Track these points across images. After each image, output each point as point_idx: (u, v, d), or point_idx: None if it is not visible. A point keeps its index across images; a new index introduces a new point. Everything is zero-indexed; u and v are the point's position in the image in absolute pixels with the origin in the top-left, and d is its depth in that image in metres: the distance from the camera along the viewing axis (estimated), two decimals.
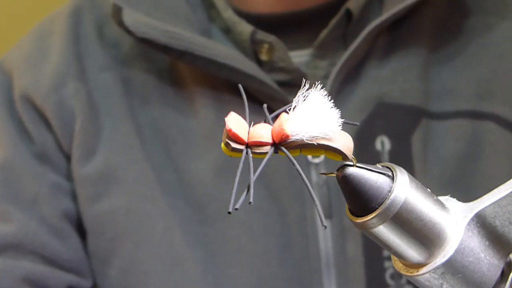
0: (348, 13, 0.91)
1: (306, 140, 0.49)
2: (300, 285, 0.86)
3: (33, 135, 0.92)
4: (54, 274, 0.90)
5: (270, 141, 0.50)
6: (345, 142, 0.51)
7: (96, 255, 0.91)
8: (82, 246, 0.92)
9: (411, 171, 0.87)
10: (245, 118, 0.50)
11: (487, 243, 0.52)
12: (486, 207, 0.52)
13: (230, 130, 0.49)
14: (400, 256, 0.52)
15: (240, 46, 0.91)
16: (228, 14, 0.92)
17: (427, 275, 0.51)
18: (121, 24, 0.88)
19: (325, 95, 0.50)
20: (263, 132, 0.50)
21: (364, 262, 0.86)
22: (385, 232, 0.50)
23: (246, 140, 0.50)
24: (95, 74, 0.93)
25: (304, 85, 0.50)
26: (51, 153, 0.92)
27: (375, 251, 0.86)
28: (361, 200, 0.50)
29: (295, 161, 0.49)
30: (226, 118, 0.49)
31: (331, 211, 0.87)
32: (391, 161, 0.87)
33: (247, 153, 0.50)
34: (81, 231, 0.93)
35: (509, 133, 0.88)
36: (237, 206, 0.46)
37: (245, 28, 0.90)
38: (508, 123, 0.89)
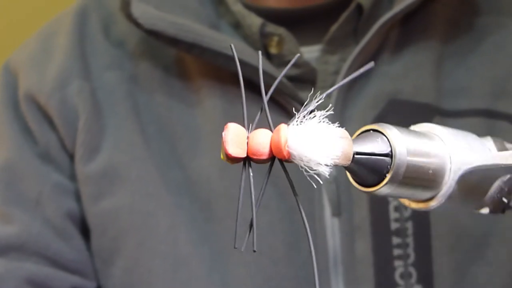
0: (359, 8, 0.90)
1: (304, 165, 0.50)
2: (307, 284, 0.85)
3: (36, 135, 0.92)
4: (57, 276, 0.89)
5: (269, 152, 0.50)
6: (343, 150, 0.51)
7: (99, 254, 0.90)
8: (86, 247, 0.91)
9: None
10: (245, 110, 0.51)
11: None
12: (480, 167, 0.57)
13: (229, 155, 0.50)
14: (411, 200, 0.57)
15: (249, 40, 0.90)
16: (237, 7, 0.91)
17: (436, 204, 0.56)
18: (129, 16, 0.88)
19: (327, 113, 0.50)
20: (262, 140, 0.50)
21: (373, 261, 0.84)
22: (395, 190, 0.54)
23: (245, 154, 0.50)
24: (100, 72, 0.93)
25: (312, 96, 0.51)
26: (54, 153, 0.91)
27: (385, 250, 0.85)
28: (368, 176, 0.53)
29: (291, 180, 0.52)
30: (224, 133, 0.49)
31: (340, 209, 0.85)
32: None
33: (248, 164, 0.51)
34: (85, 231, 0.92)
35: None
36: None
37: (255, 21, 0.90)
38: None
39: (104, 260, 0.90)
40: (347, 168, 0.52)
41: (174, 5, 0.91)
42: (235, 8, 0.91)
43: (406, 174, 0.53)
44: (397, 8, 0.87)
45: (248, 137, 0.50)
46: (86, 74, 0.92)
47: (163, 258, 0.87)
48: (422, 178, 0.54)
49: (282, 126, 0.49)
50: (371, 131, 0.54)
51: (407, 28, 0.90)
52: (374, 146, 0.52)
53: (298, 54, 0.53)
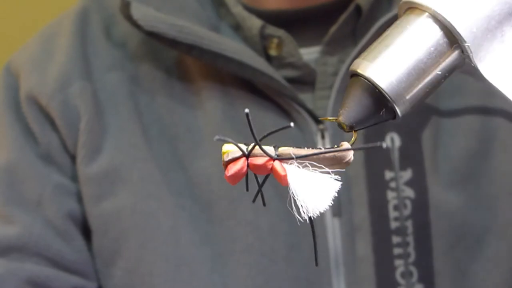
0: (358, 9, 0.91)
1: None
2: (309, 284, 0.85)
3: (38, 136, 0.92)
4: (58, 276, 0.89)
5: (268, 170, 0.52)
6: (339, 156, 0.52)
7: (100, 255, 0.90)
8: (87, 247, 0.91)
9: (421, 168, 0.86)
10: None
11: None
12: None
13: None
14: None
15: (249, 42, 0.91)
16: (237, 9, 0.92)
17: None
18: (129, 18, 0.88)
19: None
20: (261, 166, 0.53)
21: (374, 261, 0.85)
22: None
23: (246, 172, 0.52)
24: (101, 73, 0.93)
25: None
26: (56, 153, 0.91)
27: (385, 249, 0.85)
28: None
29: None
30: (225, 172, 0.52)
31: (340, 209, 0.86)
32: (401, 158, 0.87)
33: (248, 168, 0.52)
34: (86, 232, 0.92)
35: None
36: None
37: (255, 23, 0.90)
38: None
39: (105, 261, 0.90)
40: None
41: (174, 7, 0.91)
42: (235, 10, 0.92)
43: (411, 103, 0.54)
44: (396, 9, 0.87)
45: (247, 160, 0.52)
46: (88, 75, 0.92)
47: (165, 259, 0.87)
48: (431, 88, 0.55)
49: (282, 172, 0.51)
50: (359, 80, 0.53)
51: None
52: (369, 109, 0.53)
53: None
